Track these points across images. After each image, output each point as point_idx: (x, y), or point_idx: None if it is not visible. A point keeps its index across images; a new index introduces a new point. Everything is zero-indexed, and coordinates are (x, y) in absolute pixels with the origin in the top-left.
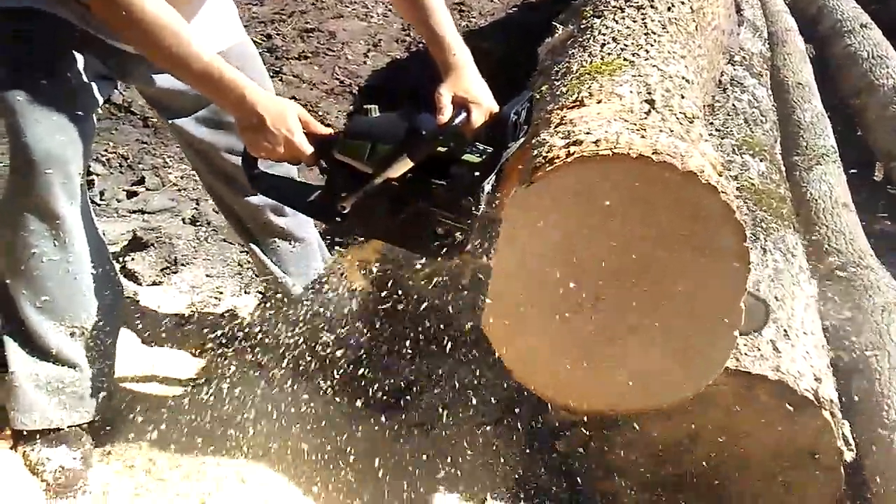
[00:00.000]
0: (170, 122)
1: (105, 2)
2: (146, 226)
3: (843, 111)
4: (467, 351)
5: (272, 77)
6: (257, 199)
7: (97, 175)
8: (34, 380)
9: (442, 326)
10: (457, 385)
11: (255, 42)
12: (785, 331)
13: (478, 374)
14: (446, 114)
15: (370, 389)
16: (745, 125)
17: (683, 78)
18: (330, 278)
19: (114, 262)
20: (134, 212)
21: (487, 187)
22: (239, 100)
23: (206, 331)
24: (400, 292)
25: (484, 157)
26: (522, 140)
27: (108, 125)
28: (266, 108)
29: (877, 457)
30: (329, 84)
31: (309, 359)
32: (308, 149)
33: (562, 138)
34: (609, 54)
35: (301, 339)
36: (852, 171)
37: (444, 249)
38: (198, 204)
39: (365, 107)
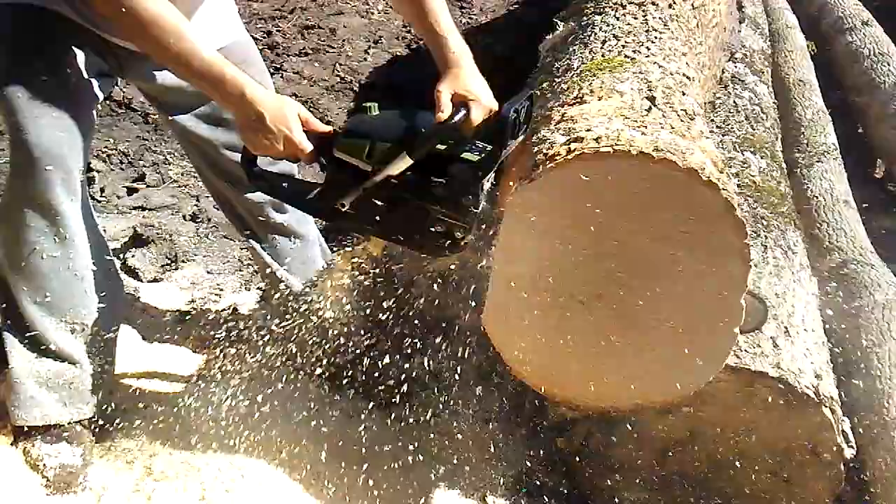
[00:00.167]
0: (169, 118)
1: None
2: (146, 222)
3: (845, 108)
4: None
5: (272, 74)
6: (257, 196)
7: (98, 171)
8: (34, 376)
9: (441, 323)
10: (457, 381)
11: (255, 39)
12: (785, 328)
13: (478, 370)
14: (446, 112)
15: (370, 385)
16: (746, 122)
17: (684, 75)
18: (329, 275)
19: (114, 258)
20: (134, 208)
21: (487, 185)
22: (239, 97)
23: (206, 327)
24: (399, 289)
25: (483, 155)
26: (522, 138)
27: (109, 122)
28: (266, 105)
29: (877, 454)
30: (329, 81)
31: (308, 355)
32: (307, 146)
33: (562, 135)
34: (610, 51)
35: (301, 336)
36: (853, 168)
37: (444, 247)
38: (198, 200)
39: (364, 105)
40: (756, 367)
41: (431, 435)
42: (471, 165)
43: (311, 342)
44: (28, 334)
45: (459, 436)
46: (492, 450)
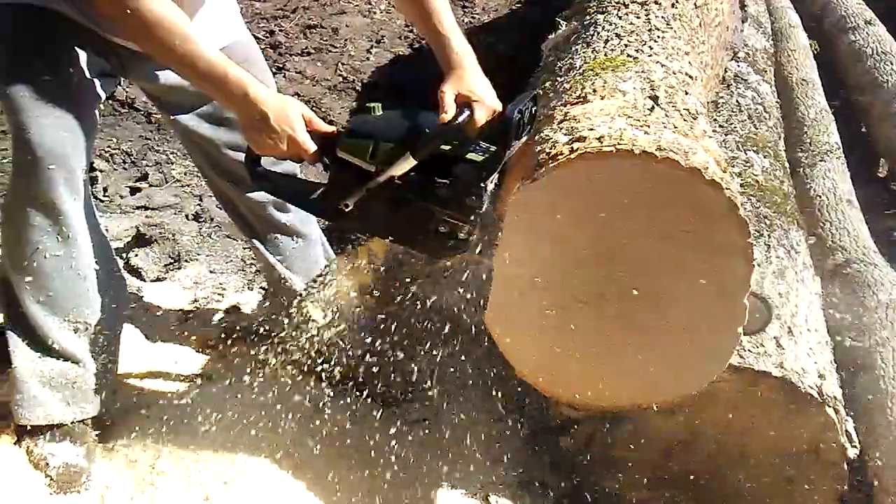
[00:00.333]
0: (172, 118)
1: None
2: (149, 222)
3: (847, 108)
4: (470, 347)
5: (275, 73)
6: (259, 196)
7: (100, 171)
8: (38, 375)
9: (445, 322)
10: (460, 381)
11: (257, 38)
12: (789, 328)
13: (481, 370)
14: (449, 112)
15: (373, 385)
16: (748, 121)
17: (687, 74)
18: (332, 274)
19: (117, 258)
20: (137, 208)
21: (490, 186)
22: (242, 97)
23: (209, 327)
24: (402, 289)
25: (487, 155)
26: (525, 139)
27: (112, 121)
28: (269, 105)
29: (880, 454)
30: (332, 80)
31: (311, 355)
32: (311, 146)
33: (565, 135)
34: (613, 50)
35: (303, 336)
36: (856, 167)
37: (447, 248)
38: (201, 200)
39: (368, 105)
40: (759, 366)
41: (434, 434)
42: (474, 166)
43: (313, 342)
44: (31, 334)
45: (462, 435)
46: (495, 449)
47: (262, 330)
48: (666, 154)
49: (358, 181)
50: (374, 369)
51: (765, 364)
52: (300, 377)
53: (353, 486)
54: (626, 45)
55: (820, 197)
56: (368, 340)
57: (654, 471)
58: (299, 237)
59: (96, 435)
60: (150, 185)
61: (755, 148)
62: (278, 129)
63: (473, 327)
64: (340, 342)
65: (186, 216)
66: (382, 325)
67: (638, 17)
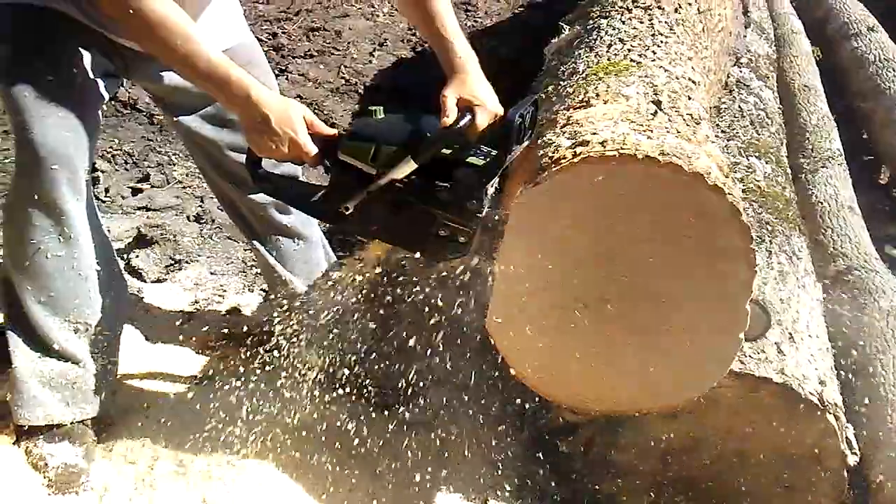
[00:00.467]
0: (174, 119)
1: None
2: (150, 223)
3: (849, 114)
4: (470, 350)
5: (277, 76)
6: (261, 197)
7: (102, 172)
8: (37, 375)
9: (445, 325)
10: (459, 384)
11: (260, 40)
12: (790, 334)
13: (481, 373)
14: (451, 116)
15: (372, 388)
16: (751, 127)
17: (690, 79)
18: (333, 277)
19: (118, 258)
20: (138, 209)
21: (491, 190)
22: (244, 99)
23: (209, 328)
24: (402, 291)
25: (488, 160)
26: (527, 143)
27: (114, 122)
28: (271, 107)
29: (880, 461)
30: (334, 83)
31: (311, 357)
32: (312, 149)
33: (568, 138)
34: (616, 55)
35: (303, 338)
36: (858, 173)
37: (448, 252)
38: (202, 201)
39: (370, 108)
40: (760, 372)
41: (433, 437)
42: (476, 170)
43: (313, 343)
44: (32, 334)
45: (462, 438)
46: (494, 453)
47: (262, 332)
48: (669, 159)
49: (359, 184)
50: (374, 372)
51: (766, 370)
52: (300, 379)
53: (351, 489)
54: (629, 50)
55: (821, 203)
56: (368, 343)
57: (654, 475)
58: (300, 239)
59: (95, 436)
60: (152, 186)
61: (757, 153)
62: (280, 132)
63: (474, 330)
64: (340, 343)
65: (188, 217)
66: (382, 328)
67: (641, 22)
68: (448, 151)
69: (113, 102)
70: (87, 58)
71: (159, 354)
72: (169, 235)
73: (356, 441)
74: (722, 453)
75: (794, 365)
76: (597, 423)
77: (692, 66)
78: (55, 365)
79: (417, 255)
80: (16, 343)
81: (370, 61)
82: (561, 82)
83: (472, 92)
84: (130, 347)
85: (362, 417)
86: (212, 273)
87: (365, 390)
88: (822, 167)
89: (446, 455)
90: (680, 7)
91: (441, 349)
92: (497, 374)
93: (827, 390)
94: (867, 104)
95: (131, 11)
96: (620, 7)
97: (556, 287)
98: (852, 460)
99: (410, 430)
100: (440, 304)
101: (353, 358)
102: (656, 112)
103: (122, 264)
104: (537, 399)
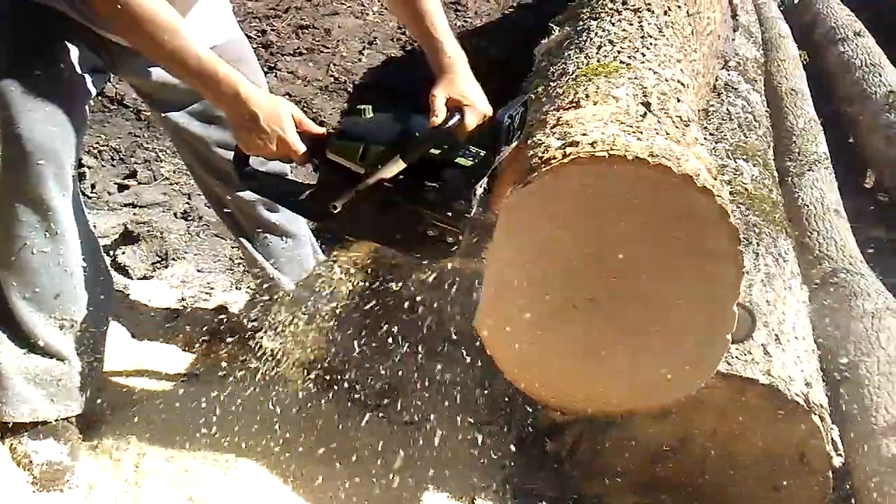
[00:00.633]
0: (162, 115)
1: None
2: (137, 219)
3: (836, 118)
4: (459, 350)
5: (266, 73)
6: (248, 194)
7: (88, 167)
8: (22, 372)
9: (433, 325)
10: (447, 384)
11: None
12: (776, 335)
13: (469, 373)
14: (440, 116)
15: (359, 387)
16: (738, 130)
17: (679, 81)
18: (321, 275)
19: (104, 255)
20: (125, 205)
21: (480, 190)
22: (232, 97)
23: (195, 326)
24: (390, 291)
25: (477, 160)
26: (516, 144)
27: (101, 118)
28: (259, 105)
29: (865, 462)
30: (324, 81)
31: (299, 356)
32: (300, 147)
33: (558, 139)
34: (605, 56)
35: (290, 336)
36: (844, 177)
37: (436, 251)
38: (190, 198)
39: (358, 107)
40: (747, 373)
41: (421, 437)
42: (464, 170)
43: (301, 342)
44: (17, 330)
45: (449, 438)
46: (482, 453)
47: (249, 330)
48: (658, 160)
49: (347, 183)
50: (362, 371)
51: (752, 371)
52: (287, 378)
53: (339, 488)
54: (618, 52)
55: (808, 206)
56: (356, 342)
57: (642, 476)
58: (288, 237)
59: (81, 433)
60: (139, 183)
61: (745, 156)
62: (268, 130)
63: (462, 330)
64: (328, 344)
65: (174, 214)
66: (370, 328)
67: (631, 24)
68: (437, 151)
69: (100, 98)
70: (74, 53)
71: (145, 352)
72: (156, 232)
73: (343, 440)
74: (708, 454)
75: (781, 366)
76: (584, 423)
77: (681, 68)
78: (40, 361)
79: (405, 254)
80: (0, 339)
81: (359, 59)
82: (551, 83)
83: (462, 92)
84: (116, 344)
85: (349, 417)
86: (199, 270)
87: (352, 390)
88: (809, 170)
89: (433, 455)
90: (669, 10)
91: (429, 349)
92: (485, 374)
93: (813, 392)
94: (853, 108)
95: (119, 7)
96: (610, 9)
97: (546, 287)
98: (837, 461)
99: (398, 429)
100: (428, 303)
101: (341, 357)
102: (646, 114)
103: (108, 261)
104: (525, 399)
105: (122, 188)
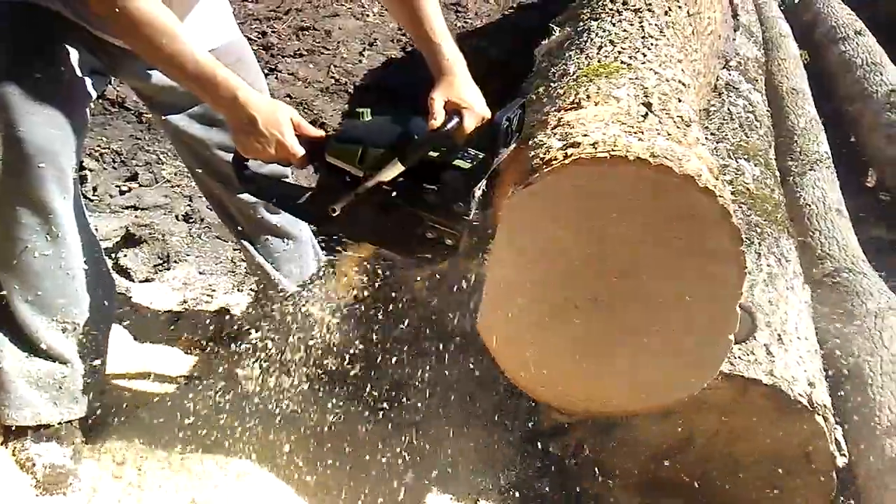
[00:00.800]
0: (162, 118)
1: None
2: (139, 222)
3: (837, 117)
4: (461, 351)
5: (267, 75)
6: (249, 197)
7: (90, 170)
8: (25, 375)
9: (436, 326)
10: (450, 385)
11: (249, 39)
12: (779, 335)
13: (472, 374)
14: (438, 119)
15: (363, 388)
16: (740, 130)
17: (680, 82)
18: (322, 277)
19: (106, 258)
20: (127, 208)
21: (478, 193)
22: (231, 101)
23: (198, 328)
24: (393, 293)
25: (475, 162)
26: (514, 146)
27: (102, 120)
28: (258, 109)
29: (868, 462)
30: (324, 82)
31: (301, 358)
32: (299, 151)
33: (559, 140)
34: (606, 57)
35: (293, 338)
36: (845, 177)
37: (434, 254)
38: (191, 201)
39: (357, 110)
40: (750, 374)
41: (424, 438)
42: (463, 173)
43: (303, 344)
44: (19, 333)
45: (452, 439)
46: (485, 454)
47: (251, 332)
48: (660, 161)
49: (346, 186)
50: (364, 373)
51: (755, 371)
52: (289, 380)
53: (340, 489)
54: (619, 52)
55: (809, 206)
56: (358, 344)
57: (645, 476)
58: (289, 238)
59: (83, 436)
60: (140, 185)
61: (746, 156)
62: (267, 133)
63: (465, 331)
64: (330, 344)
65: (176, 217)
66: (372, 329)
67: (631, 25)
68: (435, 154)
69: (101, 101)
70: (73, 55)
71: (148, 354)
72: (157, 235)
73: (346, 441)
74: (711, 454)
75: (784, 366)
76: (587, 423)
77: (682, 68)
78: (43, 365)
79: (404, 257)
80: (3, 343)
81: (360, 61)
82: (551, 84)
83: (460, 95)
84: (119, 347)
85: (352, 418)
86: (200, 273)
87: (355, 390)
88: (810, 170)
89: (437, 456)
90: (670, 10)
91: (431, 350)
92: (488, 374)
93: (816, 392)
94: (854, 107)
95: (118, 10)
96: (611, 9)
97: (547, 288)
98: (841, 461)
99: (401, 430)
100: (430, 304)
101: (343, 358)
102: (647, 114)
103: (110, 263)
104: (528, 399)
105: (123, 191)
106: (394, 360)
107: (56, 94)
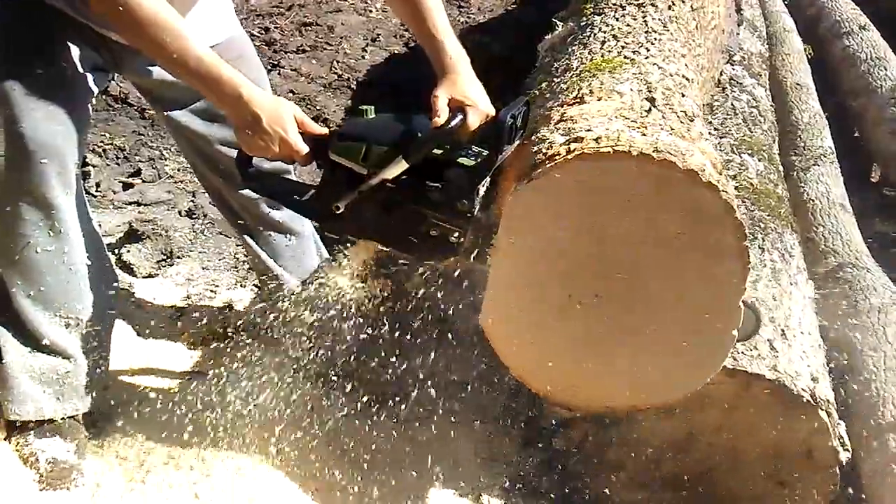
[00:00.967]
0: (164, 113)
1: None
2: (142, 218)
3: (841, 112)
4: (465, 347)
5: (269, 70)
6: (252, 192)
7: (93, 166)
8: (28, 371)
9: (439, 322)
10: (454, 381)
11: (252, 35)
12: (782, 331)
13: (475, 370)
14: (442, 116)
15: (366, 384)
16: (743, 124)
17: (683, 76)
18: (326, 273)
19: (109, 253)
20: (130, 203)
21: (482, 190)
22: (235, 98)
23: (201, 324)
24: (397, 289)
25: (479, 160)
26: (518, 143)
27: (105, 116)
28: (262, 106)
29: (872, 457)
30: (327, 78)
31: (304, 353)
32: (303, 148)
33: (562, 135)
34: (609, 52)
35: (296, 334)
36: (849, 171)
37: (438, 252)
38: (194, 196)
39: (361, 107)
40: (753, 369)
41: (427, 434)
42: (467, 170)
43: (307, 340)
44: (22, 329)
45: (455, 435)
46: (487, 450)
47: (254, 327)
48: (663, 156)
49: (350, 184)
50: (368, 368)
51: (758, 367)
52: (292, 375)
53: (344, 485)
54: (622, 47)
55: (813, 201)
56: (361, 340)
57: (647, 472)
58: (292, 234)
59: (87, 431)
60: (143, 181)
61: (750, 151)
62: (270, 131)
63: (468, 327)
64: (334, 340)
65: (179, 212)
66: (376, 325)
67: (635, 19)
68: (439, 152)
69: (104, 97)
70: (75, 52)
71: (151, 350)
72: (161, 230)
73: (349, 438)
74: (714, 450)
75: (787, 362)
76: (590, 419)
77: (686, 63)
78: (46, 360)
79: (408, 255)
80: (6, 338)
81: (363, 57)
82: (555, 79)
83: (464, 92)
84: (122, 343)
85: (355, 414)
86: (204, 268)
87: (359, 387)
88: (814, 165)
89: (440, 451)
90: (673, 4)
91: (434, 346)
92: (491, 370)
93: (819, 387)
94: (859, 102)
95: (120, 8)
96: (614, 4)
97: (550, 283)
98: (844, 457)
99: (404, 426)
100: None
101: (346, 354)
102: (650, 109)
103: (113, 259)
104: (531, 396)
105: (126, 186)
106: (397, 356)
107: (58, 90)
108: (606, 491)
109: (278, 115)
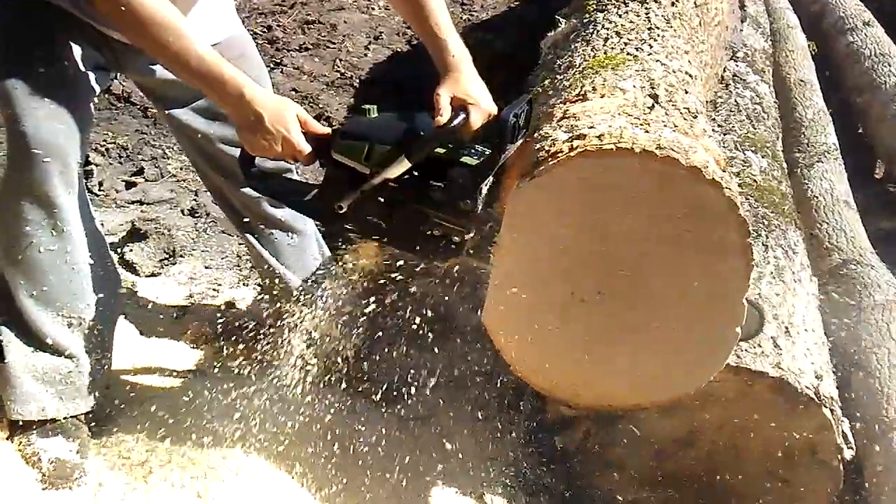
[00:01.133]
0: (166, 112)
1: None
2: (145, 216)
3: (845, 109)
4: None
5: (272, 69)
6: (254, 191)
7: (96, 165)
8: (31, 370)
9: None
10: (456, 379)
11: (254, 33)
12: (786, 328)
13: (477, 368)
14: (445, 115)
15: (368, 383)
16: (747, 121)
17: (687, 73)
18: (330, 271)
19: (112, 252)
20: (132, 202)
21: (485, 189)
22: (238, 98)
23: (203, 322)
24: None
25: (482, 159)
26: (520, 142)
27: (108, 115)
28: (264, 106)
29: (876, 455)
30: (329, 76)
31: (307, 352)
32: (306, 148)
33: (565, 132)
34: (612, 49)
35: (299, 332)
36: (853, 168)
37: (441, 251)
38: (197, 195)
39: (363, 107)
40: (756, 366)
41: (430, 432)
42: (469, 169)
43: (308, 339)
44: (24, 328)
45: (458, 433)
46: (490, 448)
47: (257, 326)
48: (666, 152)
49: (352, 183)
50: (371, 367)
51: (762, 364)
52: (295, 374)
53: (347, 484)
54: (625, 44)
55: (817, 198)
56: (365, 338)
57: (650, 470)
58: (294, 233)
59: (89, 431)
60: (146, 180)
61: (753, 148)
62: (273, 130)
63: (470, 325)
64: (336, 339)
65: (182, 211)
66: (378, 323)
67: (638, 16)
68: (442, 151)
69: (107, 96)
70: (77, 51)
71: (154, 349)
72: (163, 229)
73: (352, 436)
74: (718, 447)
75: (791, 359)
76: (593, 417)
77: (689, 59)
78: (48, 359)
79: (410, 254)
80: (9, 338)
81: (365, 55)
82: (557, 76)
83: (466, 91)
84: (124, 342)
85: (358, 413)
86: (206, 267)
87: (361, 385)
88: (818, 162)
89: (442, 450)
90: (676, 1)
91: (437, 344)
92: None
93: (823, 384)
94: (863, 98)
95: (123, 8)
96: (617, 1)
97: (553, 281)
98: (848, 454)
99: (406, 425)
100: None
101: (349, 353)
102: (653, 106)
103: (115, 258)
104: (534, 393)
105: (129, 185)
106: (399, 354)
107: (60, 89)
108: (609, 489)
109: (280, 114)
